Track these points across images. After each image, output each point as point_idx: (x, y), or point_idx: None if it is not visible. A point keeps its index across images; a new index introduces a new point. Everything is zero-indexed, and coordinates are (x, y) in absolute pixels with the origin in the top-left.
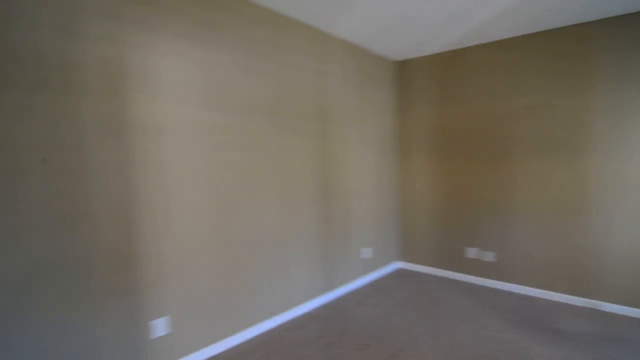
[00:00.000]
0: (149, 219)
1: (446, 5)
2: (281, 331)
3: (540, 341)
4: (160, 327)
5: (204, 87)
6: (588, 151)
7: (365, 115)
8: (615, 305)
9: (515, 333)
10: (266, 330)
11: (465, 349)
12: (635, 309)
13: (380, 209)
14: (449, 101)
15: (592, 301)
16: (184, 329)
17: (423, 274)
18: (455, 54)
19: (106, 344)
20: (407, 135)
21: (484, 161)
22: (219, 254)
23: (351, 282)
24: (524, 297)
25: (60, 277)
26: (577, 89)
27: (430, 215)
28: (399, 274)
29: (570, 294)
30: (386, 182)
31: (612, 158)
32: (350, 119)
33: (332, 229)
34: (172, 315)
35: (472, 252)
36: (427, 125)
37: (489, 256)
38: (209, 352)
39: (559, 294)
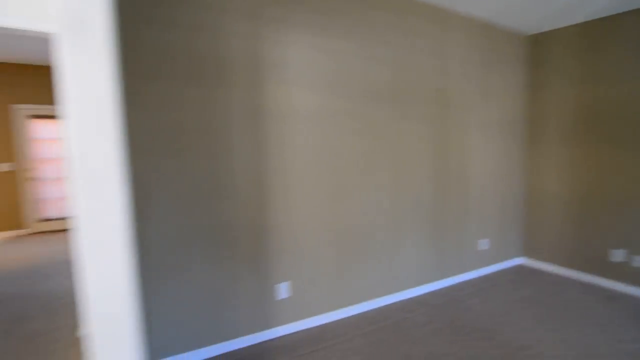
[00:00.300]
0: (277, 196)
1: None
2: (390, 311)
3: None
4: (283, 290)
5: (329, 74)
6: None
7: (488, 97)
8: None
9: None
10: (375, 308)
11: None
12: None
13: (502, 199)
14: (593, 79)
15: None
16: (303, 295)
17: (549, 273)
18: (604, 22)
19: (242, 297)
20: (539, 119)
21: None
22: (334, 232)
23: (465, 272)
24: None
25: (210, 240)
26: None
27: (564, 209)
28: (521, 270)
29: None
30: (510, 170)
31: None
32: (471, 102)
33: (447, 216)
34: (293, 281)
35: (618, 255)
36: (565, 107)
37: None
38: (322, 320)
39: None
